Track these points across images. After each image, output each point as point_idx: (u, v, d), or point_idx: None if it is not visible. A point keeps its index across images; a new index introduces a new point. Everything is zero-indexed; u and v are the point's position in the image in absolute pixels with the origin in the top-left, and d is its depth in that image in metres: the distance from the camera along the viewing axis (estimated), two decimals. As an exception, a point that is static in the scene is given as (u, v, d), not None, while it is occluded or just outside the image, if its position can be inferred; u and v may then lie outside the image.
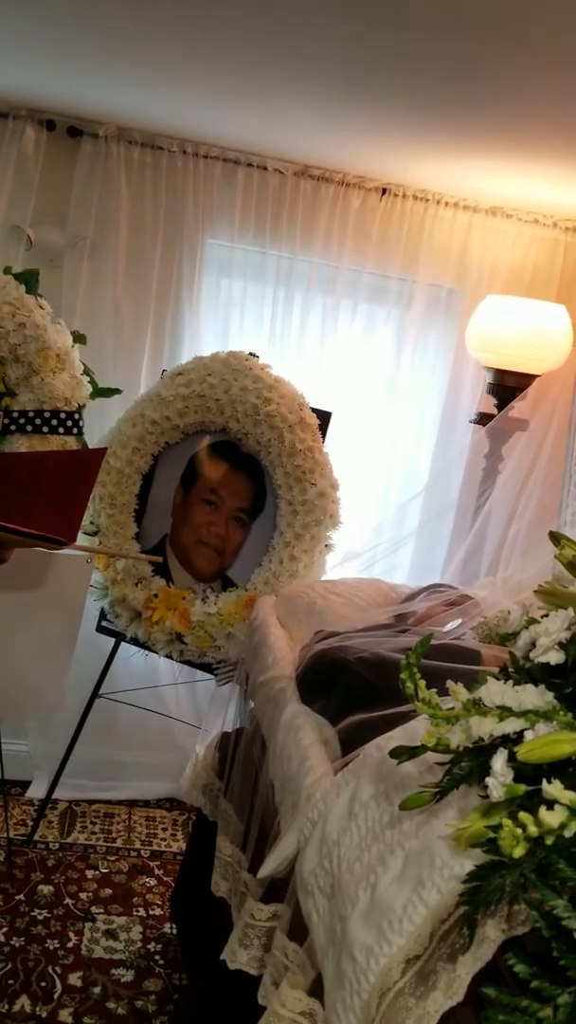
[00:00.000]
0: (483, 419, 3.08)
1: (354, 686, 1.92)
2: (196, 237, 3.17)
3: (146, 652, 2.99)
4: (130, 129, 3.04)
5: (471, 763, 1.22)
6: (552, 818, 0.97)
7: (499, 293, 3.13)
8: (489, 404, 3.08)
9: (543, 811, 0.98)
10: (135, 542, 2.89)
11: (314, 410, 2.80)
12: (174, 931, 2.65)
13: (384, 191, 3.17)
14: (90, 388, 2.76)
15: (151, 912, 2.75)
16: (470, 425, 3.21)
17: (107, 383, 2.86)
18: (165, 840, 3.16)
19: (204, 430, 2.85)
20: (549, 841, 0.97)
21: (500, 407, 2.99)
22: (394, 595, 2.68)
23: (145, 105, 2.77)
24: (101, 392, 2.81)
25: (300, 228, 3.18)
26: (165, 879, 2.92)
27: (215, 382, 2.75)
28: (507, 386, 2.97)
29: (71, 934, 2.60)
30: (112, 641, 2.99)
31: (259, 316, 3.26)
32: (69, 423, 2.69)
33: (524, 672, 1.32)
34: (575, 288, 3.23)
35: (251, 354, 2.85)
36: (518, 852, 0.97)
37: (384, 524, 3.09)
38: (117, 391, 2.85)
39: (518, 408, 2.94)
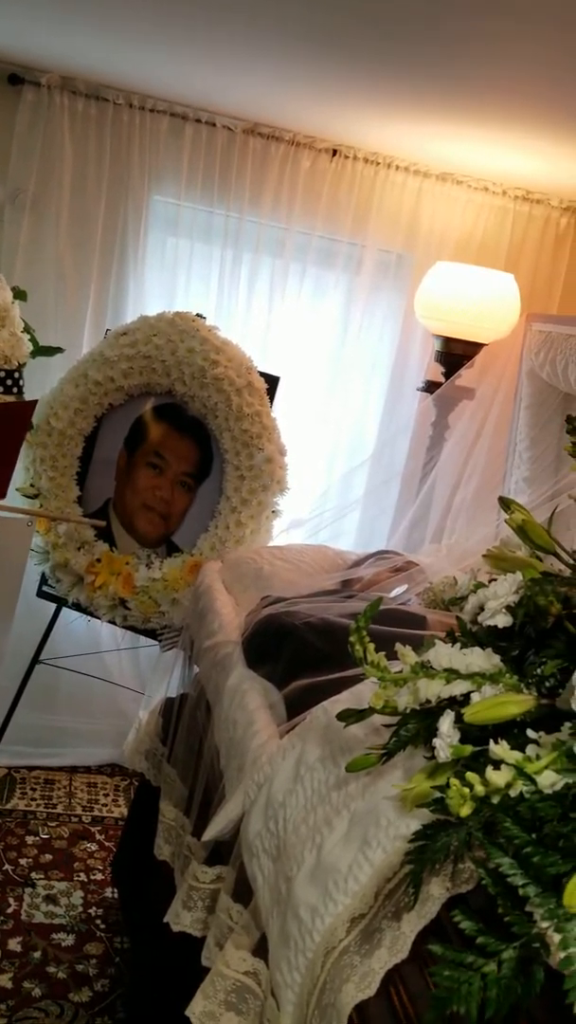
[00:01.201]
0: (430, 387, 3.08)
1: (301, 651, 1.91)
2: (142, 193, 3.09)
3: (88, 617, 2.95)
4: (74, 79, 2.94)
5: (418, 725, 1.22)
6: (498, 777, 0.98)
7: (448, 260, 3.12)
8: (437, 372, 3.08)
9: (490, 771, 0.98)
10: (77, 506, 2.84)
11: (262, 374, 2.77)
12: (116, 895, 2.64)
13: (335, 152, 3.13)
14: (31, 346, 2.67)
15: (92, 877, 2.74)
16: (417, 392, 3.21)
17: (48, 342, 2.78)
18: (107, 806, 3.14)
19: (149, 392, 2.80)
20: (495, 800, 0.97)
21: (447, 375, 3.00)
22: (340, 561, 2.68)
23: (89, 53, 2.67)
24: (42, 351, 2.73)
25: (249, 187, 3.12)
26: (107, 844, 2.91)
27: (161, 343, 2.70)
28: (455, 354, 2.98)
29: (11, 900, 2.57)
30: (53, 606, 2.94)
31: (206, 277, 3.20)
32: (8, 382, 2.61)
33: (471, 636, 1.32)
34: (523, 257, 3.24)
35: (198, 315, 2.80)
36: (465, 811, 0.97)
37: (331, 490, 3.08)
38: (59, 350, 2.77)
39: (465, 376, 2.94)
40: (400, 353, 3.30)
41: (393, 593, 2.31)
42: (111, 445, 2.88)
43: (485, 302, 2.85)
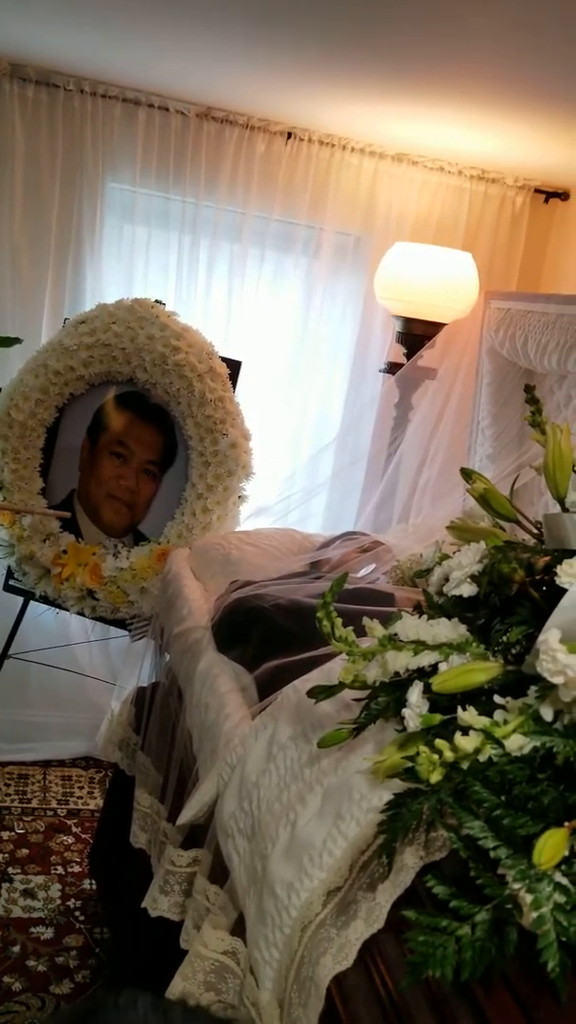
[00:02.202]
0: (392, 368, 3.09)
1: (270, 633, 1.92)
2: (96, 180, 3.06)
3: (57, 610, 2.93)
4: (24, 65, 2.89)
5: (388, 698, 1.23)
6: (467, 743, 0.98)
7: (406, 241, 3.12)
8: (398, 353, 3.09)
9: (458, 737, 0.99)
10: (41, 497, 2.81)
11: (224, 359, 2.76)
12: (94, 887, 2.63)
13: (289, 135, 3.11)
14: (-12, 337, 2.64)
15: (70, 870, 2.73)
16: (380, 374, 3.21)
17: (6, 332, 2.76)
18: (82, 798, 3.13)
19: (110, 380, 2.78)
20: (465, 766, 0.98)
21: (409, 356, 3.00)
22: (308, 544, 2.68)
23: (39, 39, 2.63)
24: (0, 342, 2.70)
25: (204, 172, 3.10)
26: (83, 836, 2.90)
27: (120, 330, 2.67)
28: (416, 334, 2.98)
29: (-12, 896, 2.56)
30: (21, 600, 2.92)
31: (164, 264, 3.17)
32: (-33, 374, 2.58)
33: (437, 608, 1.33)
34: (480, 236, 3.25)
35: (157, 301, 2.78)
36: (435, 777, 0.98)
37: (297, 474, 3.08)
38: (17, 340, 2.71)
39: (427, 357, 2.95)
40: (362, 335, 3.30)
41: (361, 572, 2.31)
42: (74, 435, 2.85)
43: (444, 281, 2.86)
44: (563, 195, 3.28)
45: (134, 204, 3.12)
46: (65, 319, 2.89)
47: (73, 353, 2.70)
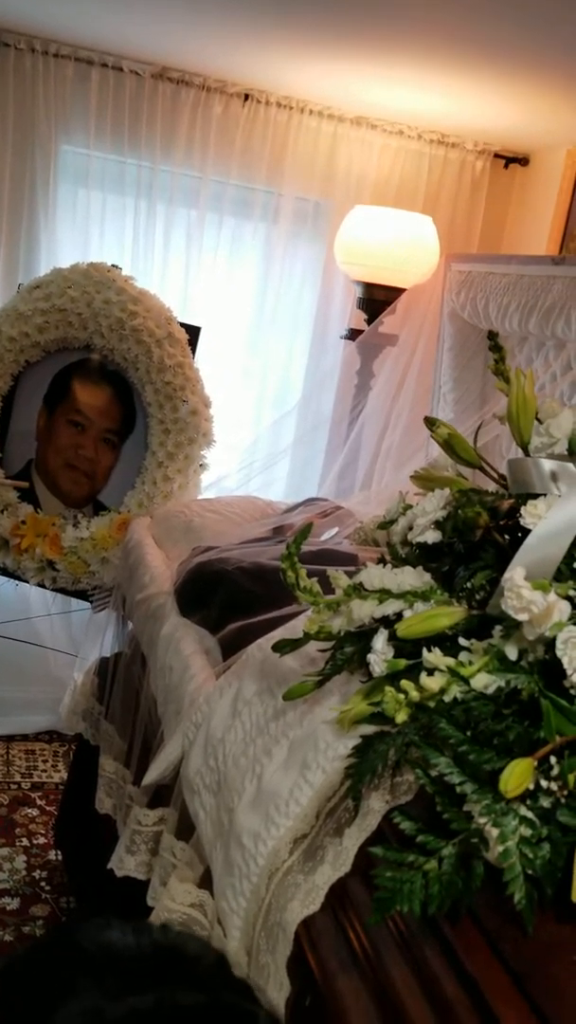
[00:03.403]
0: (353, 335, 3.07)
1: (234, 595, 1.90)
2: (49, 143, 2.99)
3: (16, 582, 2.88)
4: (-29, 22, 2.81)
5: (354, 648, 1.22)
6: (433, 683, 0.98)
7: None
8: (360, 320, 3.07)
9: (424, 676, 0.99)
10: (-1, 467, 2.76)
11: (182, 325, 2.72)
12: (59, 858, 2.62)
13: (247, 97, 3.07)
14: None
15: (35, 841, 2.71)
16: (341, 341, 3.19)
17: (-41, 298, 2.69)
18: (46, 771, 3.10)
19: (67, 347, 2.73)
20: (432, 705, 0.98)
21: (370, 322, 2.99)
22: (270, 511, 2.66)
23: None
24: (-47, 308, 2.64)
25: (160, 135, 3.04)
26: (48, 809, 2.88)
27: (76, 295, 2.62)
28: (376, 300, 2.96)
29: (-49, 870, 2.53)
30: (-21, 572, 2.87)
31: (120, 230, 3.12)
32: None
33: (401, 561, 1.33)
34: (440, 201, 3.24)
35: (113, 266, 2.73)
36: (401, 716, 0.97)
37: (259, 441, 3.06)
38: (-30, 307, 2.68)
39: (387, 323, 2.94)
40: (322, 301, 3.28)
41: (324, 536, 2.31)
42: (30, 404, 2.80)
43: (404, 245, 2.85)
44: (523, 160, 3.27)
45: (88, 168, 3.06)
46: (19, 285, 2.83)
47: (28, 319, 2.65)
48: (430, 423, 1.26)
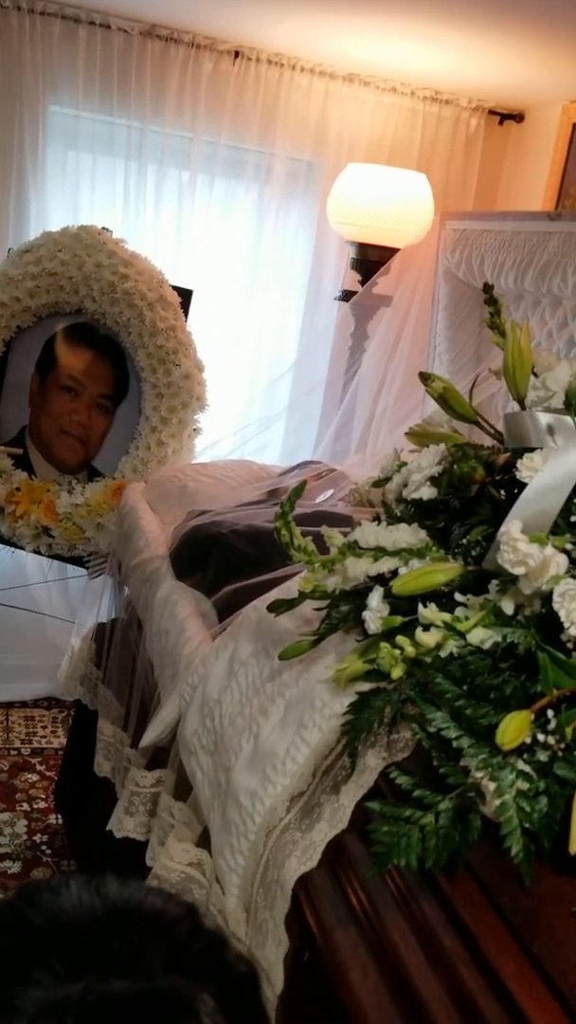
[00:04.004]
0: (347, 296, 3.03)
1: (229, 558, 1.90)
2: (37, 104, 2.93)
3: (12, 549, 2.88)
4: (-47, -23, 2.74)
5: (349, 606, 1.21)
6: (428, 638, 0.97)
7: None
8: (353, 280, 3.03)
9: (419, 632, 0.98)
10: (-9, 434, 2.74)
11: (175, 288, 2.68)
12: (59, 821, 2.63)
13: (237, 54, 3.00)
14: None
15: (35, 806, 2.72)
16: (335, 302, 3.16)
17: (-53, 262, 2.65)
18: (45, 737, 3.11)
19: (58, 312, 2.69)
20: (428, 661, 0.97)
21: (364, 283, 2.95)
22: (265, 475, 2.65)
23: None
24: None
25: (150, 94, 2.98)
26: (48, 774, 2.89)
27: (67, 258, 2.59)
28: (370, 260, 2.92)
29: (-47, 836, 2.54)
30: (-25, 540, 2.86)
31: (111, 191, 3.07)
32: None
33: (396, 519, 1.31)
34: (435, 159, 3.18)
35: (104, 229, 2.68)
36: (397, 672, 0.97)
37: (253, 404, 3.04)
38: (-41, 271, 2.64)
39: (381, 283, 2.90)
40: (315, 263, 3.24)
41: (320, 499, 2.29)
42: (22, 370, 2.77)
43: (398, 203, 2.80)
44: (518, 117, 3.22)
45: (77, 129, 3.00)
46: (9, 249, 2.78)
47: (18, 283, 2.61)
48: (425, 378, 1.24)
